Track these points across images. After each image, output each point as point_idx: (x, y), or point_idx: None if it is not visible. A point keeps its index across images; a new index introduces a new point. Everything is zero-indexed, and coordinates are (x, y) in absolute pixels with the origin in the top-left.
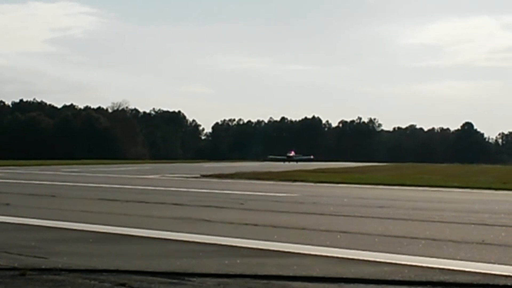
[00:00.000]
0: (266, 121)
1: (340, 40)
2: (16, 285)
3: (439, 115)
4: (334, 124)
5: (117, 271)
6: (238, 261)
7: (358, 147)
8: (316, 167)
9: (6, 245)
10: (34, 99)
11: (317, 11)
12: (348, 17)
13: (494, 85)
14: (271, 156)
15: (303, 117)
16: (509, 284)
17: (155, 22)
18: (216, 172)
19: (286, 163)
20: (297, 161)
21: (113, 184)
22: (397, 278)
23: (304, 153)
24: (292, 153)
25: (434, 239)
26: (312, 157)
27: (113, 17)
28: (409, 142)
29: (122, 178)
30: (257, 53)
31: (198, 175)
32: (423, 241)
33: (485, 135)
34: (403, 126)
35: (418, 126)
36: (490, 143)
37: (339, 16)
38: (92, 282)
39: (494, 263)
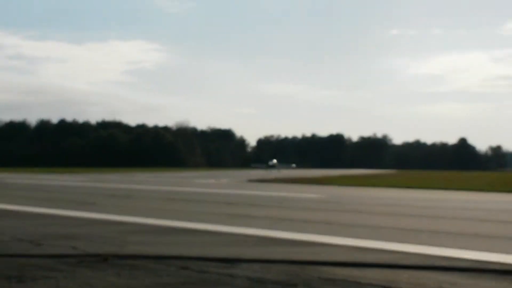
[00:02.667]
0: (299, 136)
1: (360, 71)
2: (100, 269)
3: (439, 131)
4: (354, 139)
5: (180, 257)
6: (278, 249)
7: (373, 157)
8: (340, 173)
9: (92, 236)
10: (113, 118)
11: (342, 48)
12: (367, 52)
13: (485, 107)
14: (253, 165)
15: (329, 133)
16: (497, 268)
17: (210, 56)
18: (259, 177)
19: (270, 170)
20: (278, 169)
21: (177, 186)
22: (407, 263)
23: (291, 162)
24: (274, 161)
25: (436, 232)
26: (294, 165)
27: (177, 53)
28: (415, 154)
29: (184, 182)
30: (293, 81)
31: (245, 180)
32: (427, 233)
33: (477, 148)
34: (410, 141)
35: (422, 141)
36: (481, 154)
37: (360, 52)
38: (161, 266)
39: (485, 251)
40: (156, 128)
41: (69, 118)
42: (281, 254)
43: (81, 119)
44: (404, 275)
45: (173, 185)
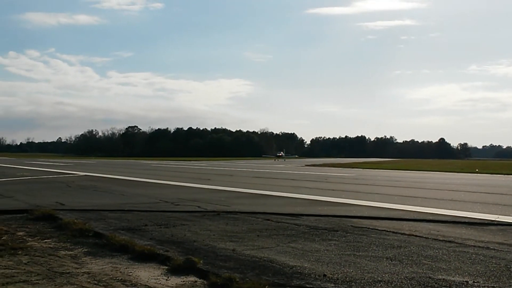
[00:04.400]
0: (337, 137)
1: (376, 96)
2: (215, 220)
3: (426, 134)
4: (372, 139)
5: (264, 213)
6: (324, 208)
7: (384, 151)
8: (363, 161)
9: (209, 200)
10: (221, 127)
11: (364, 81)
12: (380, 84)
13: (456, 119)
14: (264, 155)
15: (356, 135)
16: (466, 221)
17: (281, 87)
18: (313, 163)
19: (278, 159)
20: (284, 158)
21: (258, 169)
22: (407, 217)
23: (295, 154)
24: (281, 153)
25: (425, 198)
26: (296, 155)
27: (260, 86)
28: (411, 148)
29: (265, 166)
30: (333, 102)
31: (303, 165)
32: (420, 199)
33: (451, 145)
34: (408, 140)
35: (415, 140)
36: (453, 149)
37: (375, 84)
38: (252, 218)
39: (458, 210)
40: (247, 133)
41: (194, 126)
42: (326, 211)
43: (201, 127)
44: (406, 225)
45: (259, 168)
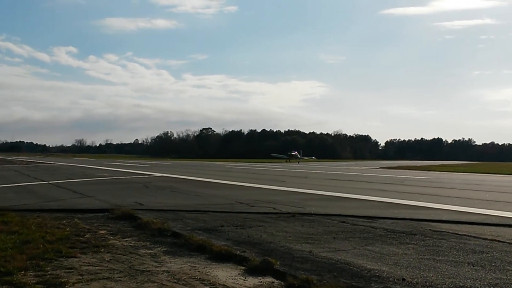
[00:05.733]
0: (412, 139)
1: (453, 97)
2: (290, 221)
3: (508, 136)
4: (449, 141)
5: (340, 215)
6: (402, 211)
7: (461, 154)
8: (439, 164)
9: (284, 201)
10: (294, 128)
11: (441, 83)
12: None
13: None
14: (273, 154)
15: (432, 137)
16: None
17: (354, 89)
18: (388, 165)
19: (290, 160)
20: (299, 160)
21: (335, 171)
22: (489, 222)
23: (312, 155)
24: (295, 153)
25: (507, 202)
26: (313, 157)
27: (333, 87)
28: (490, 151)
29: (340, 168)
30: (407, 104)
31: (378, 167)
32: (501, 203)
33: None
34: (487, 142)
35: (496, 142)
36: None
37: (453, 86)
38: (328, 220)
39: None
40: (321, 135)
41: (267, 128)
42: (403, 214)
43: (275, 129)
44: (487, 229)
45: (333, 170)
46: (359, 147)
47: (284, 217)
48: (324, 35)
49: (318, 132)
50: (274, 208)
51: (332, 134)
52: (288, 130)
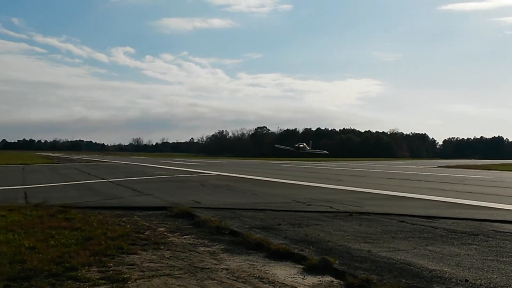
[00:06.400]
0: (471, 138)
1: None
2: (348, 220)
3: None
4: (510, 139)
5: (399, 214)
6: (462, 211)
7: None
8: (500, 163)
9: (341, 200)
10: (350, 127)
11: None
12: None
13: None
14: (278, 146)
15: (492, 136)
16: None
17: (410, 87)
18: (446, 164)
19: (295, 151)
20: (309, 153)
21: (389, 170)
22: None
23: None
24: (303, 145)
25: None
26: (326, 152)
27: (389, 85)
28: None
29: (396, 168)
30: (465, 102)
31: (436, 166)
32: None
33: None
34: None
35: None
36: None
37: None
38: (386, 219)
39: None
40: (377, 133)
41: (322, 127)
42: (465, 214)
43: (330, 127)
44: None
45: (389, 169)
46: (416, 146)
47: (342, 216)
48: (380, 32)
49: (374, 131)
50: (331, 207)
51: (388, 133)
52: (344, 128)
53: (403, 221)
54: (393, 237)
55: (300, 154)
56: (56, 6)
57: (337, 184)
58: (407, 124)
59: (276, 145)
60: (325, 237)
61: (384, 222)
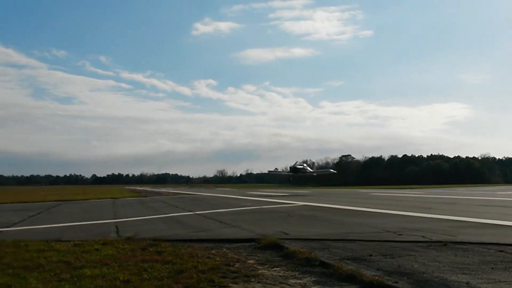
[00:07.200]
0: None
1: None
2: (442, 250)
3: None
4: None
5: (496, 244)
6: None
7: None
8: None
9: (433, 229)
10: (437, 153)
11: None
12: None
13: None
14: (271, 171)
15: None
16: None
17: (502, 109)
18: None
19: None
20: (310, 173)
21: (481, 197)
22: None
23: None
24: (302, 166)
25: None
26: (333, 171)
27: (478, 108)
28: None
29: (488, 194)
30: None
31: None
32: None
33: None
34: None
35: None
36: None
37: None
38: (483, 249)
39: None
40: (467, 158)
41: (408, 153)
42: None
43: (416, 154)
44: None
45: (482, 195)
46: (511, 171)
47: (435, 246)
48: (465, 54)
49: (464, 156)
50: (423, 236)
51: (479, 158)
52: (431, 154)
53: (502, 251)
54: (492, 268)
55: (300, 178)
56: (141, 43)
57: (427, 212)
58: (499, 149)
59: (268, 171)
60: (420, 268)
61: (482, 252)
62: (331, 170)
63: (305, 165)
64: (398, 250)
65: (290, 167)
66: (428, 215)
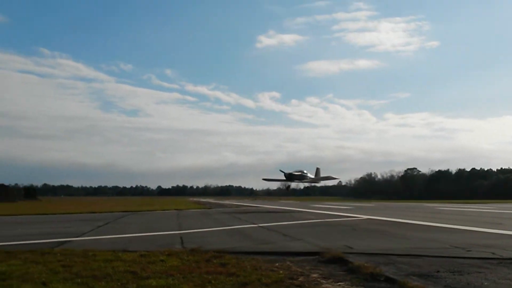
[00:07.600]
0: None
1: None
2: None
3: None
4: None
5: None
6: None
7: None
8: None
9: (504, 246)
10: (508, 166)
11: None
12: None
13: None
14: (265, 179)
15: None
16: None
17: None
18: None
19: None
20: (311, 180)
21: None
22: None
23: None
24: (299, 173)
25: None
26: (335, 177)
27: None
28: None
29: None
30: None
31: None
32: None
33: None
34: None
35: None
36: None
37: None
38: None
39: None
40: None
41: (477, 167)
42: None
43: (485, 167)
44: None
45: None
46: None
47: (506, 263)
48: None
49: None
50: (493, 253)
51: None
52: (501, 168)
53: None
54: None
55: (297, 186)
56: (205, 56)
57: (497, 228)
58: None
59: (263, 178)
60: (490, 285)
61: None
62: (334, 177)
63: (305, 171)
64: (466, 267)
65: (284, 174)
66: (498, 231)
